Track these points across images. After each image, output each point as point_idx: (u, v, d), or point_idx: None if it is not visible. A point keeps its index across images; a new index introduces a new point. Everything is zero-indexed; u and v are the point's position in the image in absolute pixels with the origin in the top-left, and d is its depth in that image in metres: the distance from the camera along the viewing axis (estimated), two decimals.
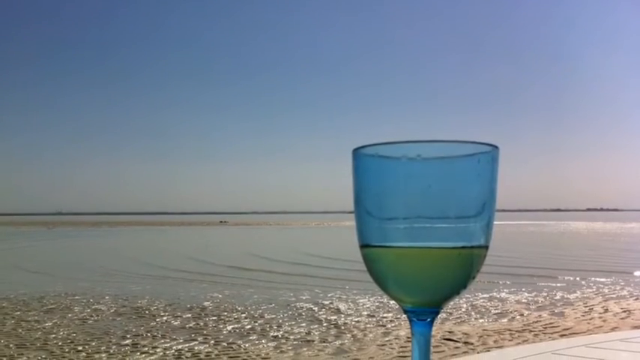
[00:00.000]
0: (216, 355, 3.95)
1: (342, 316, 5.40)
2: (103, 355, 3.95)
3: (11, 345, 4.26)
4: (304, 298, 6.58)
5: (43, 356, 3.92)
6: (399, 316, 5.23)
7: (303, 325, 5.01)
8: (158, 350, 4.08)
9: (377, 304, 6.01)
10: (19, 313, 5.67)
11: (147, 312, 5.68)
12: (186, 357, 3.89)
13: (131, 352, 4.04)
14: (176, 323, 5.10)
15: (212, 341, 4.36)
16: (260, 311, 5.69)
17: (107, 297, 6.68)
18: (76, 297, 6.71)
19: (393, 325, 4.92)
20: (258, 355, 3.93)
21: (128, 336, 4.56)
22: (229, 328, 4.89)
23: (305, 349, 4.13)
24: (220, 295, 6.81)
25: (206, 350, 4.07)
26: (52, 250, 16.94)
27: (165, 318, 5.35)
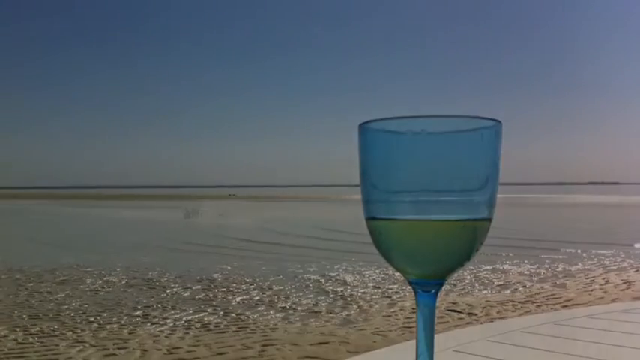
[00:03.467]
0: (225, 325, 4.02)
1: (349, 287, 5.47)
2: (115, 325, 4.03)
3: (24, 315, 4.35)
4: (311, 269, 6.66)
5: (56, 327, 4.01)
6: (404, 287, 5.29)
7: (311, 296, 5.08)
8: (168, 321, 4.16)
9: (382, 275, 6.07)
10: (32, 284, 5.78)
11: (157, 283, 5.77)
12: (196, 327, 3.96)
13: (142, 322, 4.12)
14: (186, 294, 5.18)
15: (221, 312, 4.44)
16: (268, 283, 5.77)
17: (118, 269, 6.78)
18: (88, 269, 6.82)
19: (398, 296, 4.97)
20: (266, 326, 3.99)
21: (139, 307, 4.64)
22: (238, 299, 4.96)
23: (312, 319, 4.20)
24: (229, 267, 6.90)
25: (215, 321, 4.14)
26: (65, 222, 17.14)
27: (175, 289, 5.43)
